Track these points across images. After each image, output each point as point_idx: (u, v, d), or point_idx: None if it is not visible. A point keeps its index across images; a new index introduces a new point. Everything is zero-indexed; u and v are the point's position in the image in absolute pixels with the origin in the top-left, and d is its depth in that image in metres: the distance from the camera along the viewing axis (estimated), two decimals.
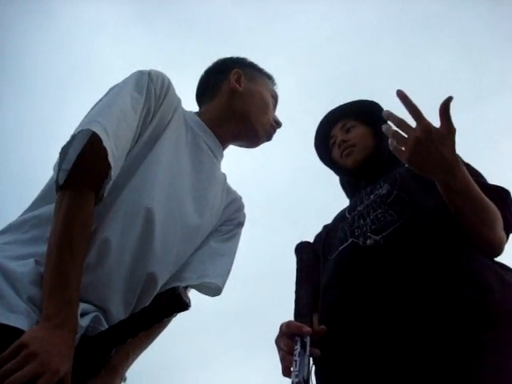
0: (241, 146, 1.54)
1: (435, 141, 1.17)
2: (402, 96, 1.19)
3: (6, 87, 4.53)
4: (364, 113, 1.70)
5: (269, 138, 1.52)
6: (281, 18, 4.93)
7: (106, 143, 1.07)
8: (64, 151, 1.09)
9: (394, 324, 1.18)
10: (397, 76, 5.09)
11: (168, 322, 1.33)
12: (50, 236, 1.06)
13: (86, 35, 4.75)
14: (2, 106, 4.49)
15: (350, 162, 1.64)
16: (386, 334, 1.18)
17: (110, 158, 1.08)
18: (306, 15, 4.85)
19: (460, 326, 1.14)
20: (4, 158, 4.49)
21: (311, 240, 1.61)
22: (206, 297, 1.39)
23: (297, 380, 1.03)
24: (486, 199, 1.24)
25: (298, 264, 1.36)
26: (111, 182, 1.12)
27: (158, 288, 1.25)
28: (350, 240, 1.41)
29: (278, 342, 1.28)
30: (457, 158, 1.21)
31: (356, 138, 1.65)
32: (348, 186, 1.75)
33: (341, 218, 1.58)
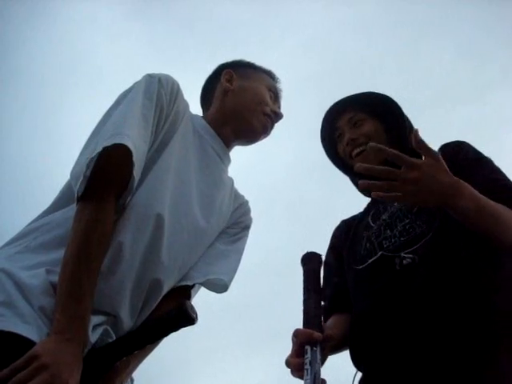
0: (243, 144, 1.53)
1: (429, 172, 1.17)
2: None
3: (2, 84, 4.52)
4: (374, 105, 1.57)
5: (265, 129, 1.49)
6: (280, 12, 4.92)
7: (135, 157, 1.09)
8: (91, 162, 1.08)
9: (428, 340, 1.17)
10: (398, 70, 5.08)
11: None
12: (68, 246, 1.06)
13: (84, 32, 4.74)
14: None
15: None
16: (419, 352, 1.17)
17: (135, 172, 1.10)
18: (306, 9, 4.84)
19: (497, 334, 1.15)
20: (0, 154, 4.49)
21: (316, 246, 1.54)
22: (206, 294, 1.39)
23: None
24: (500, 206, 1.22)
25: (304, 274, 1.34)
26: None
27: (163, 293, 1.25)
28: (380, 253, 1.36)
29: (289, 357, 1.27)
30: (456, 178, 1.20)
31: (367, 136, 1.52)
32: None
33: (364, 225, 1.50)
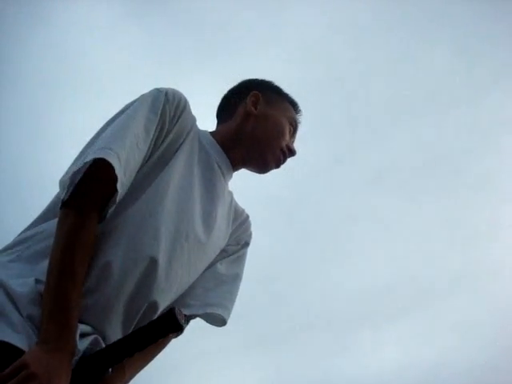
0: (250, 171, 1.50)
1: None
2: None
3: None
4: None
5: (277, 164, 1.46)
6: (276, 14, 4.93)
7: (117, 171, 1.09)
8: (75, 175, 1.10)
9: None
10: (391, 73, 5.10)
11: (166, 343, 1.32)
12: (51, 255, 1.07)
13: (80, 33, 4.73)
14: None
15: None
16: None
17: (119, 185, 1.09)
18: (302, 11, 4.85)
19: None
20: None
21: None
22: None
23: None
24: None
25: None
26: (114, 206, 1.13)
27: (158, 313, 1.23)
28: None
29: None
30: None
31: None
32: None
33: None
